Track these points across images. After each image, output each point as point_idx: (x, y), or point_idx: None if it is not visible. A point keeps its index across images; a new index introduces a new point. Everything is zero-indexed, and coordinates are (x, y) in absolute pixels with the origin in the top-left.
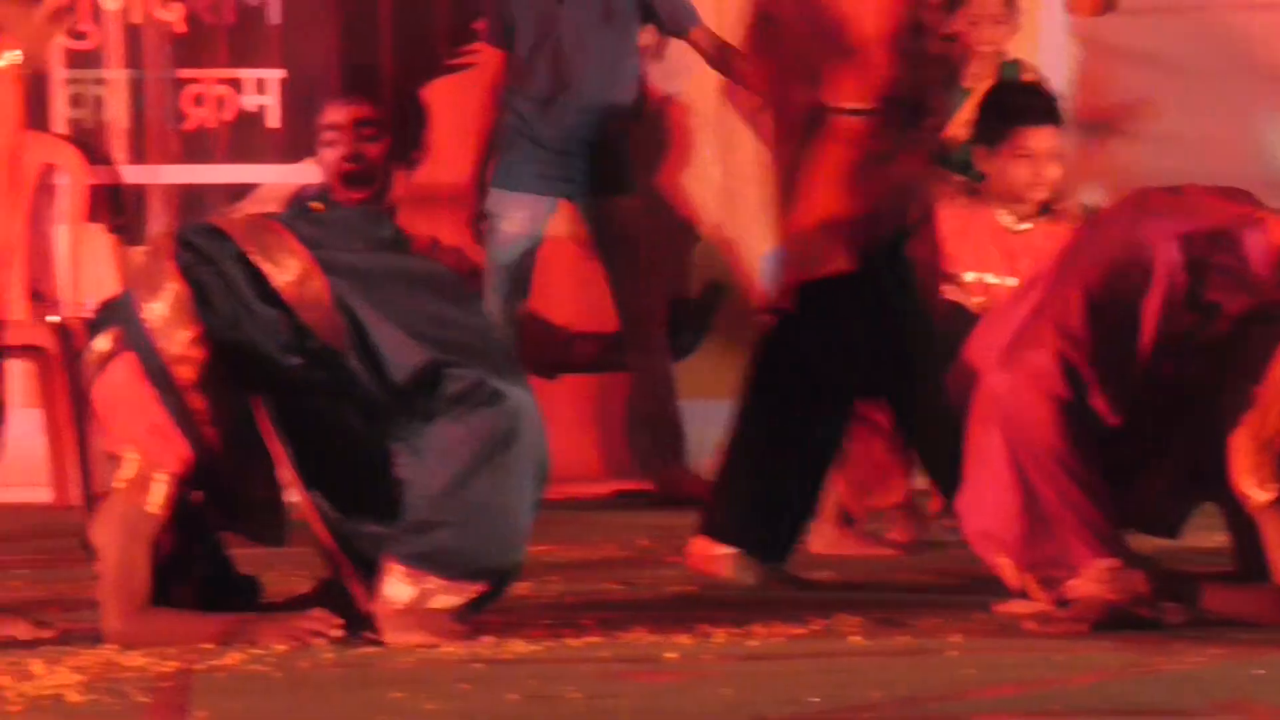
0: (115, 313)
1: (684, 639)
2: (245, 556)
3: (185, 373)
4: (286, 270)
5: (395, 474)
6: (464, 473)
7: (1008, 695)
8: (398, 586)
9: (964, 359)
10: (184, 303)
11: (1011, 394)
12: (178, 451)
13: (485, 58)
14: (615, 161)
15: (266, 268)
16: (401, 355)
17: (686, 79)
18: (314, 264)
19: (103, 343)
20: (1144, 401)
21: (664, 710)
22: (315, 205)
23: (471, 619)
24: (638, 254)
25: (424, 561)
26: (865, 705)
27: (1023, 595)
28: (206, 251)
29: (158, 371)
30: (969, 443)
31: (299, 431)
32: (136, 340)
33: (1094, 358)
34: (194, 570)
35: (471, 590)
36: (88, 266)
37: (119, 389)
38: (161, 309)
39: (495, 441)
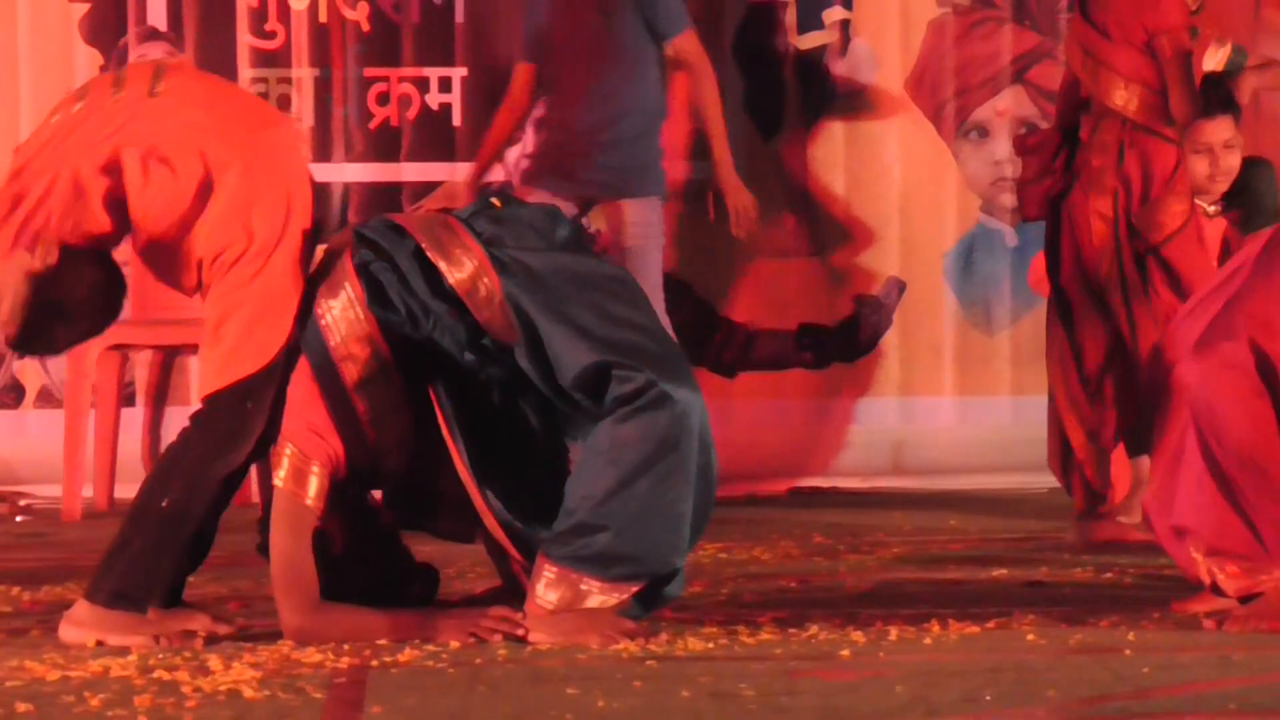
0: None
1: (859, 636)
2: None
3: (351, 371)
4: (461, 268)
5: (563, 472)
6: (627, 476)
7: (1185, 694)
8: (551, 588)
9: (1159, 350)
10: (359, 301)
11: (1203, 384)
12: (330, 447)
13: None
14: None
15: (441, 265)
16: (571, 355)
17: (873, 72)
18: (488, 262)
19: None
20: None
21: (838, 708)
22: (494, 202)
23: (638, 619)
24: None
25: (581, 564)
26: (1041, 703)
27: (1206, 591)
28: (384, 248)
29: (325, 370)
30: (1159, 437)
31: (471, 429)
32: (310, 338)
33: None
34: (372, 567)
35: (628, 592)
36: None
37: (290, 387)
38: (338, 307)
39: (661, 445)
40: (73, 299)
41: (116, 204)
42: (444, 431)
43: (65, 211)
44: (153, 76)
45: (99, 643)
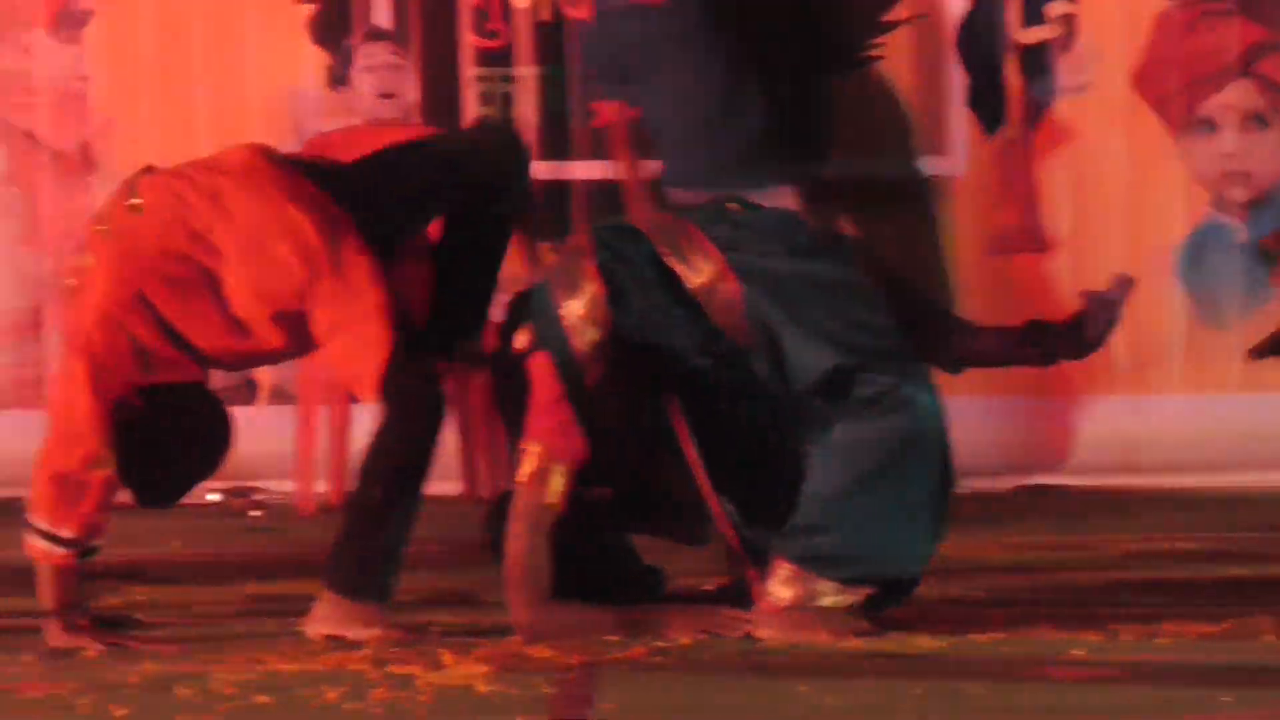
0: (529, 309)
1: (1091, 636)
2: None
3: (594, 371)
4: (699, 272)
5: (796, 476)
6: (865, 477)
7: None
8: (784, 585)
9: None
10: (600, 303)
11: None
12: (574, 448)
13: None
14: None
15: (680, 269)
16: (812, 359)
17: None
18: (726, 267)
19: (518, 339)
20: None
21: (1069, 708)
22: (731, 206)
23: (868, 619)
24: None
25: (815, 563)
26: None
27: None
28: (623, 251)
29: (569, 369)
30: None
31: (707, 432)
32: (552, 338)
33: None
34: (600, 566)
35: (861, 594)
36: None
37: (534, 384)
38: (579, 308)
39: (900, 448)
40: (167, 441)
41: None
42: (680, 435)
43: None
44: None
45: (334, 637)
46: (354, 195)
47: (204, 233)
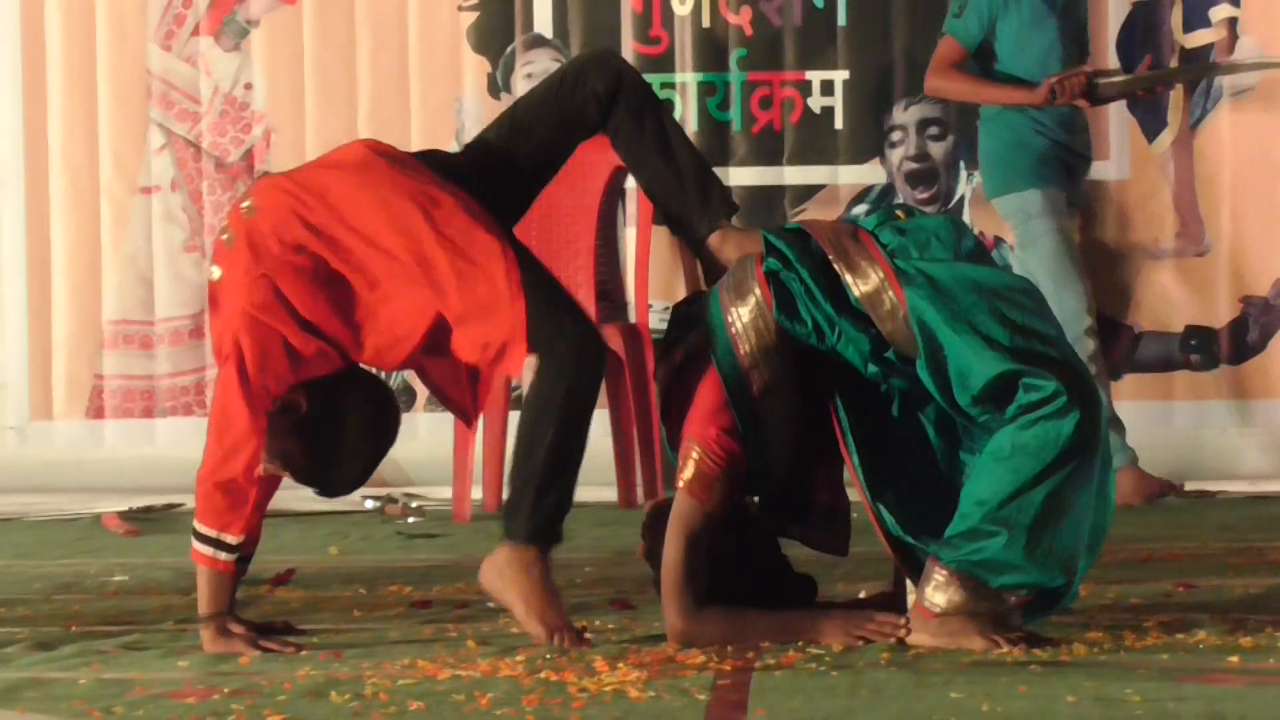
0: (697, 315)
1: (1248, 642)
2: (806, 559)
3: (758, 380)
4: (866, 280)
5: (956, 485)
6: (1025, 484)
7: None
8: (939, 591)
9: None
10: (767, 310)
11: None
12: (735, 454)
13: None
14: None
15: (847, 276)
16: (979, 365)
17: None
18: (892, 274)
19: (683, 344)
20: None
21: (1227, 715)
22: (898, 213)
23: (1022, 627)
24: None
25: (973, 568)
26: None
27: None
28: (793, 257)
29: (735, 377)
30: None
31: (868, 440)
32: (719, 345)
33: None
34: (753, 572)
35: (1019, 601)
36: (656, 269)
37: (698, 392)
38: (745, 315)
39: (1062, 456)
40: (335, 438)
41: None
42: (840, 444)
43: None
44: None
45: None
46: (474, 172)
47: (320, 227)
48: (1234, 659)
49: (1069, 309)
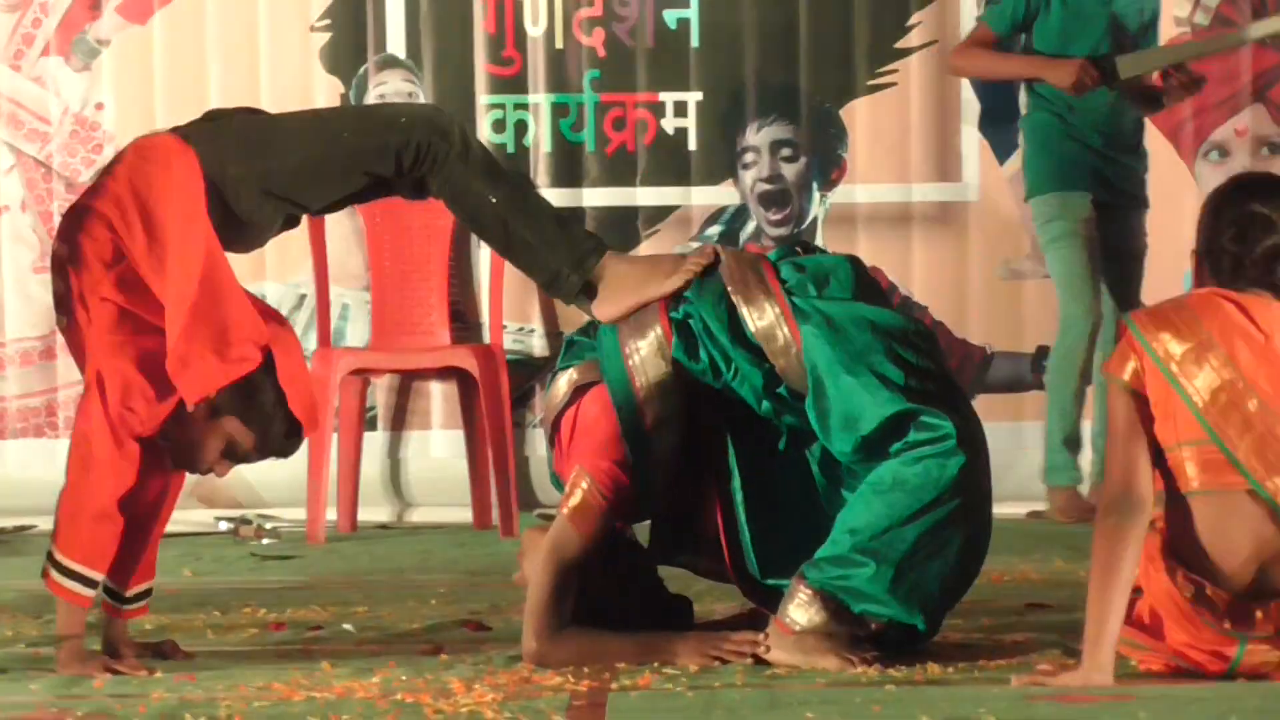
0: (590, 344)
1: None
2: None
3: (652, 412)
4: (763, 315)
5: (831, 513)
6: (901, 520)
7: None
8: (801, 609)
9: None
10: (667, 347)
11: None
12: (624, 486)
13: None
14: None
15: (744, 309)
16: (872, 404)
17: None
18: (789, 310)
19: (579, 373)
20: None
21: None
22: (799, 249)
23: (877, 649)
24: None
25: (839, 593)
26: None
27: None
28: (691, 295)
29: (629, 409)
30: None
31: (754, 475)
32: (614, 376)
33: None
34: (630, 596)
35: (875, 628)
36: (510, 290)
37: (590, 422)
38: (646, 349)
39: (941, 496)
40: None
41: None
42: (733, 475)
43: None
44: None
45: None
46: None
47: (123, 236)
48: None
49: (1070, 314)
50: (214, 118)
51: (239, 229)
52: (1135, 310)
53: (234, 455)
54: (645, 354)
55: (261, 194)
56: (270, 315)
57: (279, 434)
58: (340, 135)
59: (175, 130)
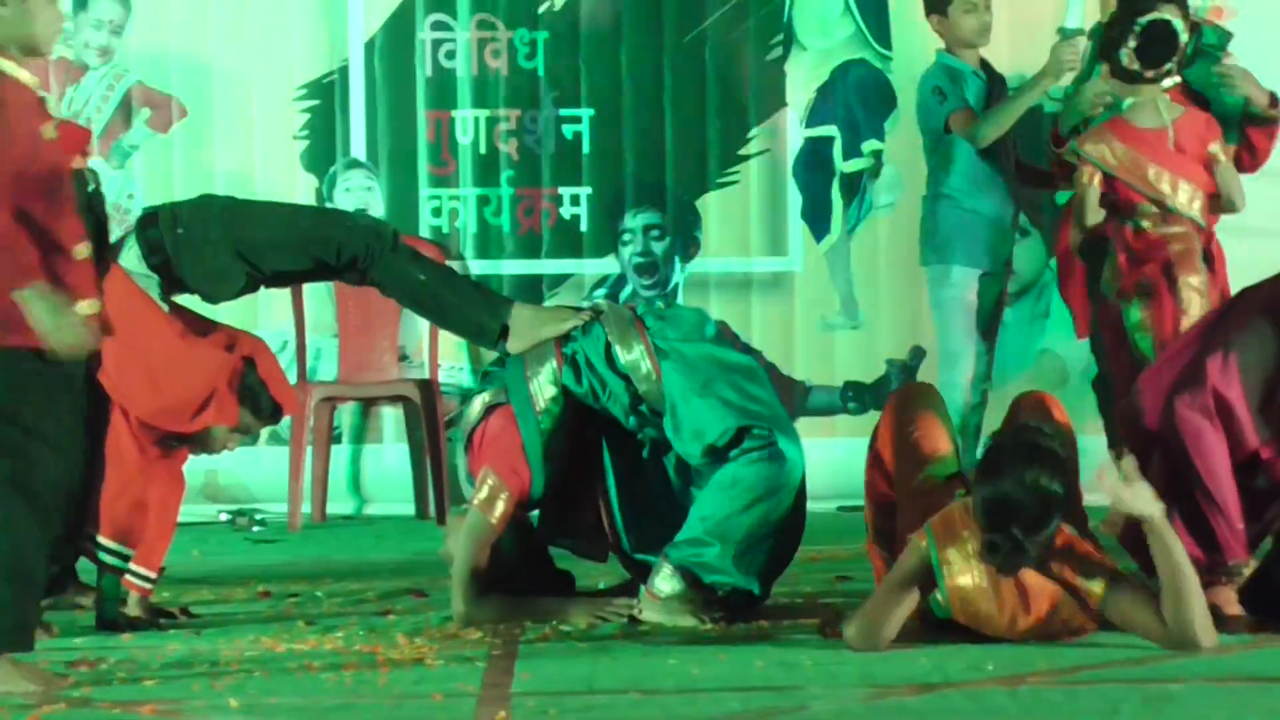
0: (501, 374)
1: None
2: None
3: (546, 423)
4: (631, 350)
5: (688, 509)
6: (738, 508)
7: None
8: (666, 581)
9: (1138, 389)
10: (558, 374)
11: (1187, 419)
12: (522, 482)
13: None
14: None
15: (617, 348)
16: (714, 419)
17: (899, 190)
18: (650, 348)
19: (490, 395)
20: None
21: (875, 675)
22: (661, 304)
23: (724, 611)
24: None
25: (692, 566)
26: None
27: None
28: (577, 334)
29: (529, 424)
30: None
31: (624, 475)
32: (519, 398)
33: (1239, 396)
34: (527, 570)
35: (719, 595)
36: (444, 337)
37: (497, 432)
38: (543, 376)
39: (768, 490)
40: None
41: None
42: (608, 475)
43: None
44: None
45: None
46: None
47: None
48: None
49: (945, 381)
50: (207, 197)
51: (211, 280)
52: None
53: (236, 433)
54: (542, 379)
55: (232, 255)
56: (251, 337)
57: (267, 412)
58: (299, 223)
59: (174, 204)
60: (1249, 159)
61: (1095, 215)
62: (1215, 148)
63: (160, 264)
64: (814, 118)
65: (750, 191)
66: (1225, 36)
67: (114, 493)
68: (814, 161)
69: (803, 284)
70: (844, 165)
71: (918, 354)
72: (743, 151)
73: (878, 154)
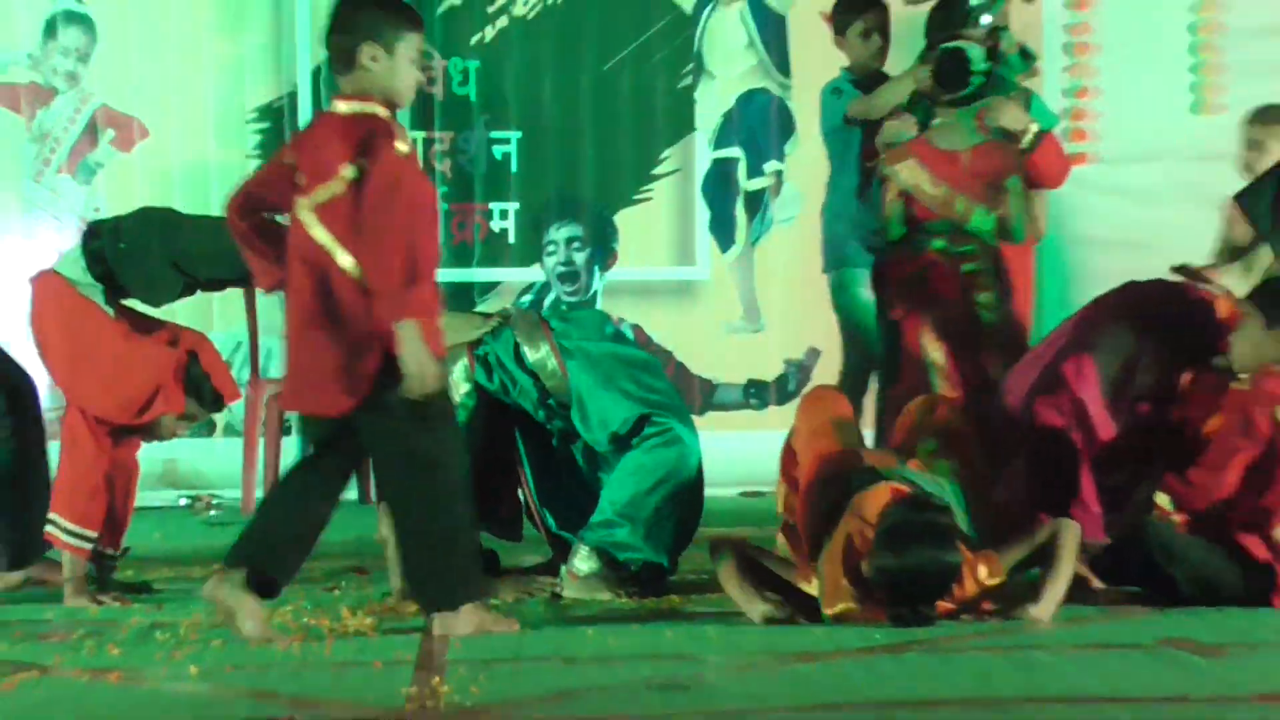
0: None
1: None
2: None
3: (460, 416)
4: (537, 350)
5: (597, 493)
6: (645, 491)
7: None
8: (583, 561)
9: (1003, 390)
10: (470, 371)
11: (1046, 415)
12: None
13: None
14: None
15: (525, 347)
16: (616, 409)
17: (800, 205)
18: (555, 346)
19: None
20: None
21: (777, 646)
22: (565, 306)
23: (638, 586)
24: None
25: (606, 546)
26: None
27: None
28: (488, 339)
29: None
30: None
31: (538, 463)
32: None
33: (1094, 396)
34: None
35: (631, 571)
36: None
37: None
38: (456, 373)
39: (669, 473)
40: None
41: None
42: (524, 464)
43: None
44: None
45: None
46: None
47: None
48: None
49: (849, 364)
50: (146, 210)
51: (150, 288)
52: None
53: (183, 420)
54: (455, 376)
55: (169, 265)
56: (194, 332)
57: (210, 400)
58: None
59: (116, 218)
60: (1035, 181)
61: (898, 229)
62: (1011, 178)
63: (103, 273)
64: (720, 140)
65: (662, 207)
66: (1028, 66)
67: (72, 480)
68: (720, 180)
69: (710, 291)
70: (747, 184)
71: (813, 354)
72: (656, 171)
73: (778, 174)
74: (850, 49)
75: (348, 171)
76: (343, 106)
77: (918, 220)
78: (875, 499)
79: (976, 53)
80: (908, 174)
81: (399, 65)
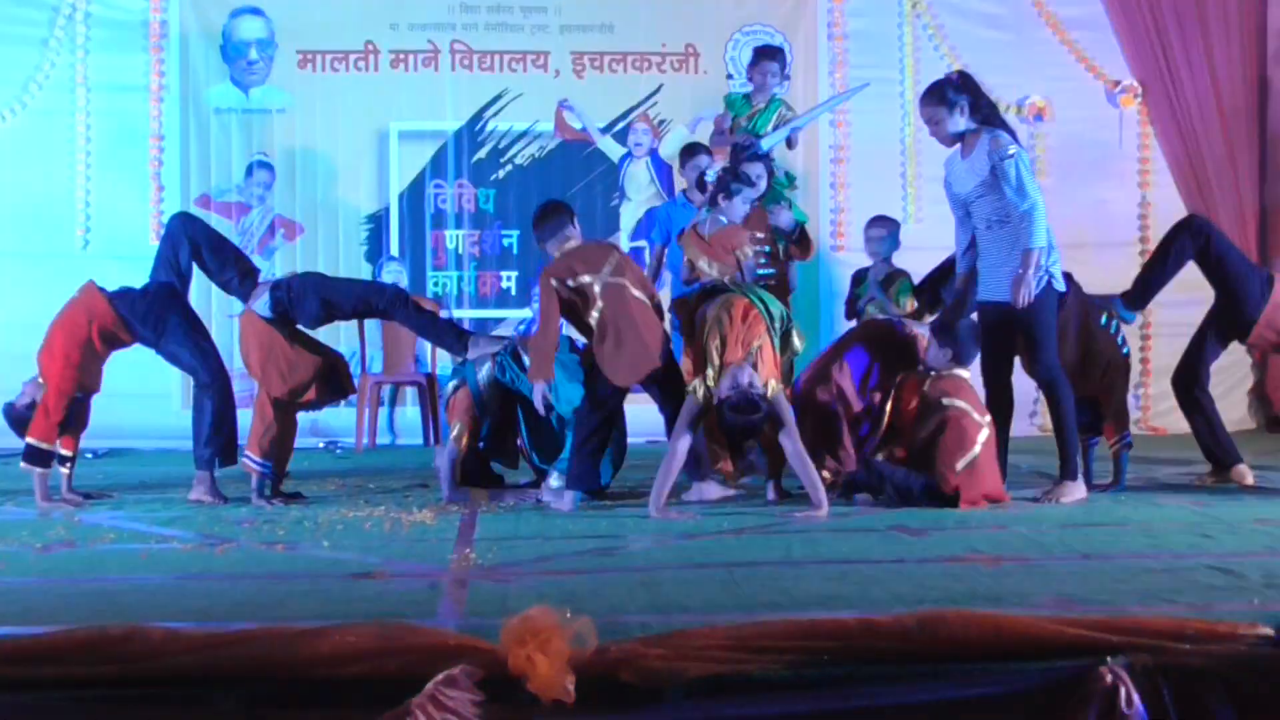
0: (463, 370)
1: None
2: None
3: (487, 394)
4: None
5: (562, 437)
6: (585, 438)
7: None
8: (555, 481)
9: (802, 379)
10: (492, 371)
11: (817, 400)
12: (475, 423)
13: None
14: None
15: (523, 357)
16: (576, 393)
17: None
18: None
19: (458, 381)
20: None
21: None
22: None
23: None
24: None
25: (567, 477)
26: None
27: None
28: (501, 351)
29: (476, 395)
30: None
31: (530, 421)
32: (471, 381)
33: (849, 385)
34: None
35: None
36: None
37: (460, 399)
38: (484, 372)
39: (603, 423)
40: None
41: None
42: (520, 422)
43: None
44: None
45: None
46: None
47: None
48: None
49: None
50: (306, 274)
51: (307, 319)
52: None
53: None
54: (484, 373)
55: (321, 306)
56: (335, 352)
57: (342, 391)
58: (358, 290)
59: (288, 277)
60: (799, 255)
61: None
62: (742, 250)
63: (281, 312)
64: (635, 236)
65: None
66: (792, 180)
67: (259, 431)
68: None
69: None
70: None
71: None
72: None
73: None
74: (687, 179)
75: None
76: None
77: (698, 276)
78: (738, 301)
79: (750, 173)
80: (689, 249)
81: None
